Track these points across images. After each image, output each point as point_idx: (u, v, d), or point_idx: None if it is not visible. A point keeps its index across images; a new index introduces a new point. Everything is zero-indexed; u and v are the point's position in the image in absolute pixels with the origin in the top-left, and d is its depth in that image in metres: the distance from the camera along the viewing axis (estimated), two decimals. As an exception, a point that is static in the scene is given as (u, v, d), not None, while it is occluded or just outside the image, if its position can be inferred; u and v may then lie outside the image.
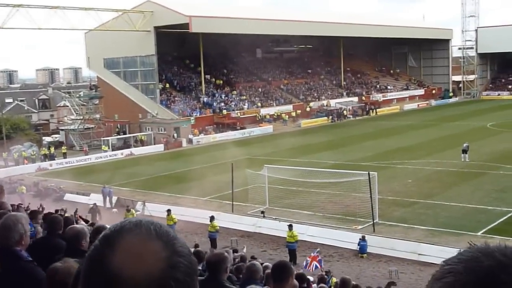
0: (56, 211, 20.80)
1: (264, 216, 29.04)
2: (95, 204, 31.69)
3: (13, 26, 57.43)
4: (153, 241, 1.26)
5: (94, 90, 72.43)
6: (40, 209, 17.77)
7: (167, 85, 71.29)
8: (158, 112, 66.34)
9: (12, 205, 12.12)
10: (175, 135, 62.57)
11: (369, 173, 26.62)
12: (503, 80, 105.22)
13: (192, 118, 66.09)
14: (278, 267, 5.04)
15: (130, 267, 1.21)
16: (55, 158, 54.88)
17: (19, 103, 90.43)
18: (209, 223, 26.01)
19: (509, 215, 27.21)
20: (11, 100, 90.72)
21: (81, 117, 67.92)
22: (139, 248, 1.25)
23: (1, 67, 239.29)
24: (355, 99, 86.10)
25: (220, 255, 5.21)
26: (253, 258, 16.35)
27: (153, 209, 31.85)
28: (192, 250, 12.63)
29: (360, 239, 24.23)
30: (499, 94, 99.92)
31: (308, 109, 78.46)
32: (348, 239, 25.25)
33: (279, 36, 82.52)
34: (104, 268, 1.23)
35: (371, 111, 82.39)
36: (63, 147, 59.25)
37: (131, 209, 29.67)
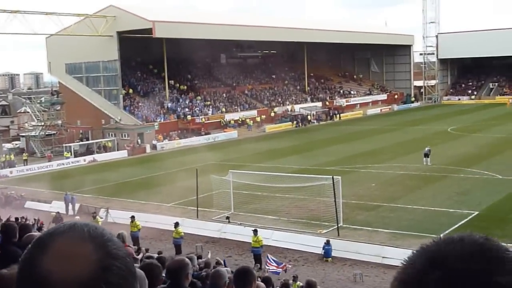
0: (17, 219, 20.39)
1: (229, 222, 28.94)
2: (58, 212, 31.09)
3: (-30, 30, 56.19)
4: (85, 243, 1.24)
5: (55, 96, 71.25)
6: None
7: (131, 91, 70.64)
8: (122, 118, 65.65)
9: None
10: (139, 141, 61.99)
11: (333, 178, 26.80)
12: (463, 85, 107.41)
13: (156, 123, 65.60)
14: (241, 272, 5.00)
15: (60, 269, 1.20)
16: (16, 165, 53.78)
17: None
18: (173, 229, 25.81)
19: (470, 217, 27.74)
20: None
21: (43, 123, 66.71)
22: (70, 251, 1.22)
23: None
24: (319, 104, 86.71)
25: (181, 261, 5.13)
26: (217, 263, 16.26)
27: (117, 216, 31.49)
28: (156, 256, 12.51)
29: (324, 243, 24.34)
30: (459, 99, 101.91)
31: (272, 114, 78.69)
32: (313, 243, 25.34)
33: (243, 42, 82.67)
34: (33, 271, 1.22)
35: (334, 116, 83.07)
36: (24, 154, 58.12)
37: (97, 216, 29.21)
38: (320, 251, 24.46)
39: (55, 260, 1.20)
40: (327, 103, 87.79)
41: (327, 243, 24.27)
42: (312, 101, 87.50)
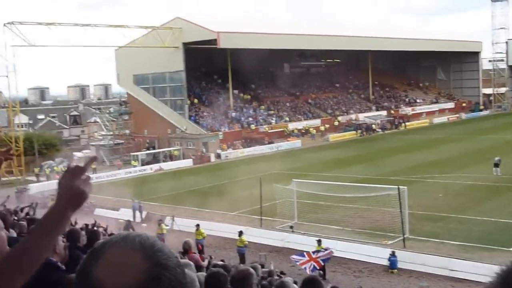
0: (87, 225, 21.04)
1: (292, 231, 28.91)
2: (128, 220, 31.64)
3: (45, 44, 58.63)
4: (135, 254, 1.29)
5: (123, 106, 73.37)
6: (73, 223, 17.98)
7: (196, 101, 71.84)
8: (187, 127, 66.82)
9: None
10: (204, 150, 62.88)
11: (398, 188, 26.37)
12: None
13: (220, 133, 66.41)
14: (310, 282, 5.00)
15: (110, 279, 1.24)
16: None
17: (51, 119, 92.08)
18: (237, 238, 25.99)
19: (543, 230, 26.63)
20: (43, 117, 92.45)
21: (111, 133, 68.77)
22: (120, 260, 1.28)
23: (33, 84, 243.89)
24: (384, 112, 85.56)
25: (246, 271, 5.18)
26: (282, 273, 16.28)
27: (182, 224, 32.00)
28: (220, 264, 12.63)
29: (390, 254, 23.93)
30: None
31: (336, 123, 78.20)
32: (378, 254, 24.94)
33: (307, 51, 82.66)
34: (87, 279, 1.27)
35: (400, 125, 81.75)
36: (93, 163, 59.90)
37: (163, 224, 29.78)
38: (385, 262, 24.06)
39: (107, 270, 1.27)
40: (392, 111, 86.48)
41: (393, 254, 23.85)
42: (376, 109, 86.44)
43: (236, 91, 75.61)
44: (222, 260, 18.21)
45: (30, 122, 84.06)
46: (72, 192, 2.08)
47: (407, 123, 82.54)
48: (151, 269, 1.27)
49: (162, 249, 1.33)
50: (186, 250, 14.71)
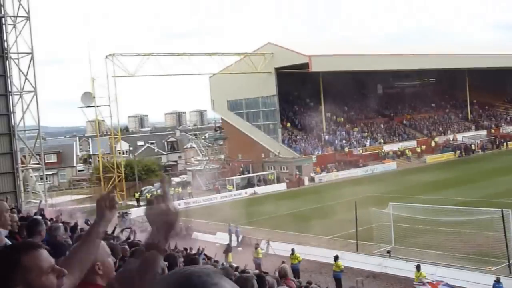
0: (185, 249, 21.55)
1: (390, 256, 28.22)
2: (228, 244, 32.10)
3: (143, 74, 61.27)
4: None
5: (218, 132, 75.01)
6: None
7: (289, 124, 72.27)
8: (280, 151, 67.24)
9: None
10: (297, 173, 62.94)
11: (502, 211, 25.16)
12: None
13: (313, 156, 66.31)
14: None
15: None
16: (183, 198, 57.04)
17: (150, 145, 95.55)
18: (333, 262, 25.69)
19: None
20: (142, 143, 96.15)
21: (207, 158, 70.37)
22: None
23: (133, 112, 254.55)
24: (484, 132, 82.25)
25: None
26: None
27: (277, 248, 32.07)
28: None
29: (494, 281, 22.75)
30: None
31: (433, 144, 76.02)
32: (481, 280, 23.80)
33: (400, 71, 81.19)
34: None
35: (501, 144, 78.24)
36: (188, 188, 61.39)
37: (259, 247, 29.97)
38: (489, 289, 22.94)
39: None
40: (493, 131, 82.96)
41: (497, 281, 22.66)
42: (476, 129, 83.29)
43: (328, 114, 75.38)
44: (309, 282, 18.08)
45: (131, 148, 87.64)
46: (162, 223, 2.25)
47: (509, 143, 78.83)
48: None
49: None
50: (282, 276, 14.71)
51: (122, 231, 20.88)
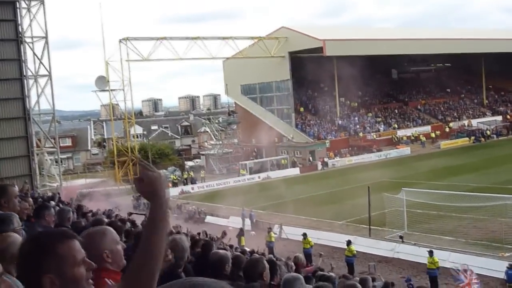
0: (198, 234, 21.71)
1: (402, 241, 28.23)
2: (241, 228, 31.94)
3: (157, 58, 61.29)
4: None
5: (232, 116, 75.01)
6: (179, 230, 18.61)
7: (302, 109, 72.11)
8: (294, 136, 67.18)
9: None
10: (311, 158, 62.91)
11: (516, 197, 25.04)
12: None
13: (327, 141, 66.19)
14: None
15: None
16: (197, 182, 57.28)
17: (164, 129, 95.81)
18: (345, 247, 25.76)
19: None
20: (156, 127, 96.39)
21: (220, 142, 70.50)
22: None
23: (147, 96, 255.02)
24: (499, 118, 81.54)
25: (352, 286, 5.19)
26: (392, 285, 15.99)
27: (290, 232, 32.23)
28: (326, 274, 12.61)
29: (507, 267, 22.70)
30: None
31: (447, 129, 75.54)
32: (494, 267, 23.76)
33: (415, 56, 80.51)
34: None
35: (517, 130, 77.57)
36: (201, 172, 61.56)
37: (271, 232, 30.07)
38: (502, 275, 22.89)
39: None
40: (508, 116, 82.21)
41: (510, 267, 22.61)
42: (492, 114, 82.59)
43: (342, 99, 75.08)
44: (329, 270, 18.15)
45: (145, 132, 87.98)
46: (149, 190, 2.27)
47: (525, 128, 78.17)
48: None
49: None
50: (296, 265, 14.87)
51: (130, 214, 20.94)
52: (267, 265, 5.75)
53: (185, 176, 59.36)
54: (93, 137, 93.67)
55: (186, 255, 5.13)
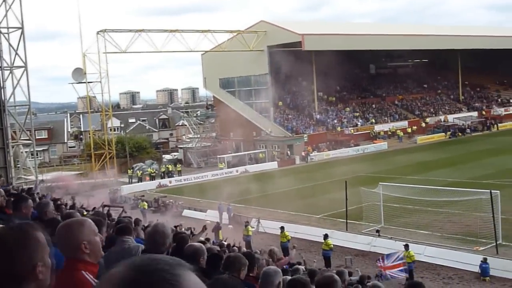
0: (175, 226, 21.66)
1: (379, 235, 28.47)
2: (218, 222, 31.71)
3: (135, 50, 60.83)
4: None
5: (210, 109, 74.80)
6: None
7: (280, 103, 72.17)
8: (272, 130, 67.25)
9: (135, 220, 12.79)
10: (289, 152, 63.06)
11: (491, 192, 25.38)
12: None
13: (305, 135, 66.39)
14: (413, 286, 4.95)
15: None
16: (174, 175, 57.07)
17: (141, 122, 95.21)
18: (323, 241, 25.91)
19: None
20: (134, 120, 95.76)
21: (198, 136, 70.30)
22: None
23: (125, 88, 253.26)
24: (475, 113, 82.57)
25: (330, 278, 5.21)
26: (368, 278, 16.12)
27: (267, 226, 32.30)
28: (306, 268, 12.67)
29: (481, 261, 23.07)
30: None
31: (423, 125, 76.29)
32: (468, 260, 24.11)
33: (393, 51, 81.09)
34: None
35: (492, 126, 78.62)
36: (177, 165, 61.33)
37: (249, 225, 30.07)
38: (476, 269, 23.24)
39: None
40: (484, 112, 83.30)
41: (484, 261, 22.98)
42: (467, 110, 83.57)
43: (320, 93, 75.31)
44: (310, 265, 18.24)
45: (122, 125, 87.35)
46: None
47: (499, 124, 79.24)
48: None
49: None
50: (272, 258, 14.82)
51: (103, 207, 20.79)
52: (245, 262, 5.76)
53: (163, 169, 59.10)
54: (69, 129, 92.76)
55: (168, 242, 5.20)
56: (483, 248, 25.29)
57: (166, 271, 1.36)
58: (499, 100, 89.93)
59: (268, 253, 15.77)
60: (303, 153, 62.77)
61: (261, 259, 7.54)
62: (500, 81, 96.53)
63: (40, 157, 69.82)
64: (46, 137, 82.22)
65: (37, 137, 53.79)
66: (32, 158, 41.05)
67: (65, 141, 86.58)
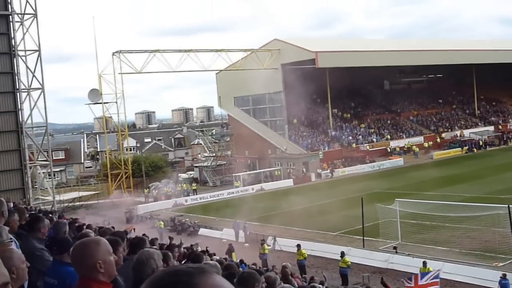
0: (191, 245, 21.71)
1: (396, 252, 28.25)
2: (230, 244, 31.32)
3: (150, 70, 61.37)
4: None
5: (225, 128, 75.04)
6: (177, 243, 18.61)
7: (295, 121, 72.22)
8: (287, 147, 67.25)
9: (150, 240, 12.86)
10: (304, 169, 62.96)
11: (509, 206, 25.13)
12: None
13: (320, 152, 66.29)
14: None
15: None
16: (190, 194, 57.17)
17: (157, 142, 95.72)
18: (339, 258, 25.75)
19: None
20: (149, 140, 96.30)
21: (214, 154, 70.47)
22: None
23: (140, 108, 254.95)
24: (491, 128, 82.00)
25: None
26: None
27: (284, 244, 32.17)
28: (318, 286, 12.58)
29: (500, 277, 22.75)
30: None
31: (439, 140, 75.88)
32: (487, 276, 23.80)
33: (407, 67, 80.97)
34: None
35: (509, 140, 77.97)
36: (193, 184, 61.44)
37: (265, 244, 29.94)
38: (496, 285, 22.92)
39: None
40: (500, 126, 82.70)
41: (504, 277, 22.66)
42: (483, 125, 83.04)
43: (335, 110, 75.31)
44: (321, 282, 18.15)
45: (138, 145, 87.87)
46: None
47: (516, 138, 78.59)
48: None
49: None
50: (284, 277, 14.52)
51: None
52: (259, 278, 5.77)
53: (179, 188, 59.24)
54: (86, 150, 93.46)
55: (151, 270, 4.87)
56: (502, 264, 24.98)
57: (183, 282, 1.41)
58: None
59: (281, 269, 15.67)
60: (328, 170, 62.71)
61: (273, 276, 7.53)
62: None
63: (57, 177, 70.43)
64: (63, 157, 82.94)
65: (54, 158, 54.28)
66: (49, 178, 41.45)
67: (82, 161, 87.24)
